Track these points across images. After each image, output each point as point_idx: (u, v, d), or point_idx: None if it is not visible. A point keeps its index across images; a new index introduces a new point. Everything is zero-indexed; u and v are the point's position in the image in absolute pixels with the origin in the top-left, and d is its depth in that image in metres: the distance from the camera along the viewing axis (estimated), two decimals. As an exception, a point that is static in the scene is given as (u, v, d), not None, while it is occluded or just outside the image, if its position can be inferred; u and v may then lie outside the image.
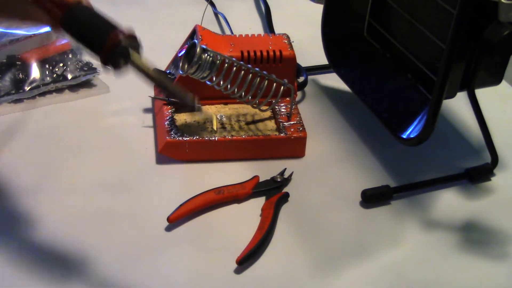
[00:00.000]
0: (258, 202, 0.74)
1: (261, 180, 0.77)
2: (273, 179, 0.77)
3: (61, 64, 0.90)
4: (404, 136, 0.77)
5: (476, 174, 0.80)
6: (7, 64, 0.89)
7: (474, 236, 0.73)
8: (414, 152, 0.81)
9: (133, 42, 0.61)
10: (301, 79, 0.93)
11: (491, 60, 0.71)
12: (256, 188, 0.75)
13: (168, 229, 0.70)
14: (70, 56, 0.92)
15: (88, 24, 0.61)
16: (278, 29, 1.07)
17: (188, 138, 0.79)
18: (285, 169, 0.78)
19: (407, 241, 0.72)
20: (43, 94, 0.89)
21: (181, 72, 0.75)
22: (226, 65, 0.75)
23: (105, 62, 0.61)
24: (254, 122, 0.83)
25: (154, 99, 0.87)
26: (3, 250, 0.68)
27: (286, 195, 0.75)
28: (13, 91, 0.87)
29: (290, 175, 0.78)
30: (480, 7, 0.66)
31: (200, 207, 0.72)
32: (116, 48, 0.60)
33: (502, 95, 0.95)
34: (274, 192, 0.75)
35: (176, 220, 0.70)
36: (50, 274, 0.65)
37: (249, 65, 0.78)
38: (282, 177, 0.77)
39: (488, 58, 0.70)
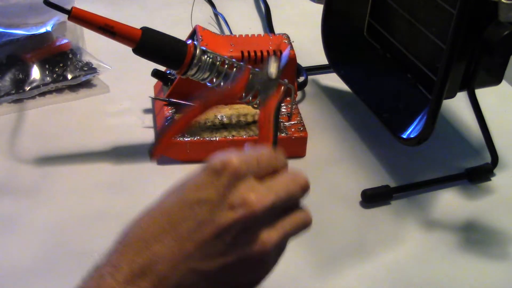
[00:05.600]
0: None
1: None
2: None
3: (61, 64, 0.90)
4: (404, 136, 0.77)
5: (476, 174, 0.80)
6: (7, 64, 0.89)
7: (474, 236, 0.73)
8: (414, 152, 0.81)
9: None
10: (301, 79, 0.94)
11: (491, 60, 0.71)
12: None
13: None
14: (70, 56, 0.92)
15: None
16: (278, 29, 1.07)
17: (189, 139, 0.79)
18: None
19: (407, 241, 0.72)
20: (43, 94, 0.89)
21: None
22: (226, 66, 0.75)
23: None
24: (254, 122, 0.83)
25: (154, 99, 0.87)
26: (3, 250, 0.68)
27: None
28: (13, 91, 0.87)
29: None
30: (480, 7, 0.66)
31: (186, 124, 0.60)
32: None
33: (502, 95, 0.95)
34: None
35: (160, 153, 0.62)
36: (50, 274, 0.65)
37: (249, 66, 0.78)
38: None
39: (488, 58, 0.70)
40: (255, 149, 0.49)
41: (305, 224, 0.48)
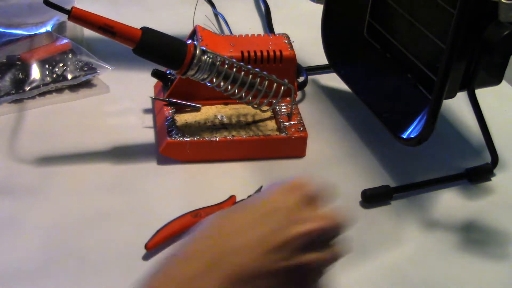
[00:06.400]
0: None
1: (238, 199, 0.74)
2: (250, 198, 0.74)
3: (61, 64, 0.90)
4: (404, 136, 0.77)
5: (476, 174, 0.80)
6: (7, 64, 0.89)
7: (474, 236, 0.73)
8: (414, 152, 0.81)
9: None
10: (301, 79, 0.93)
11: (491, 60, 0.71)
12: None
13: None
14: (70, 56, 0.92)
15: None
16: (278, 29, 1.07)
17: (189, 139, 0.79)
18: (262, 186, 0.76)
19: (407, 241, 0.72)
20: (43, 94, 0.89)
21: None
22: (226, 66, 0.75)
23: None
24: (254, 122, 0.83)
25: (154, 99, 0.87)
26: (3, 250, 0.68)
27: None
28: (13, 91, 0.87)
29: None
30: (480, 7, 0.66)
31: (178, 232, 0.69)
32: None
33: (502, 95, 0.95)
34: None
35: (154, 247, 0.67)
36: (50, 274, 0.65)
37: (249, 66, 0.78)
38: None
39: (488, 58, 0.70)
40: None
41: (337, 259, 0.53)
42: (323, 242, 0.52)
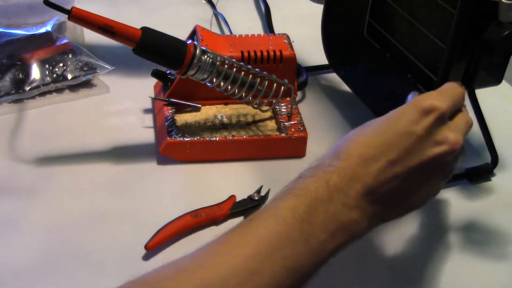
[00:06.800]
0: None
1: (238, 199, 0.74)
2: (250, 197, 0.74)
3: (61, 64, 0.90)
4: (404, 136, 0.77)
5: (476, 174, 0.80)
6: (7, 64, 0.89)
7: (474, 236, 0.73)
8: (414, 152, 0.81)
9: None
10: (301, 79, 0.93)
11: (491, 60, 0.71)
12: (233, 209, 0.73)
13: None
14: (70, 56, 0.92)
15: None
16: (278, 29, 1.07)
17: (189, 139, 0.79)
18: (262, 186, 0.76)
19: (406, 241, 0.72)
20: (43, 94, 0.89)
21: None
22: (226, 66, 0.75)
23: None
24: (254, 122, 0.83)
25: (154, 99, 0.87)
26: (3, 250, 0.68)
27: None
28: (13, 91, 0.87)
29: (267, 193, 0.76)
30: (480, 7, 0.66)
31: (178, 232, 0.69)
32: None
33: (502, 95, 0.95)
34: (252, 211, 0.73)
35: (154, 247, 0.67)
36: (50, 274, 0.65)
37: (249, 66, 0.78)
38: (259, 195, 0.75)
39: (488, 58, 0.70)
40: (452, 88, 0.60)
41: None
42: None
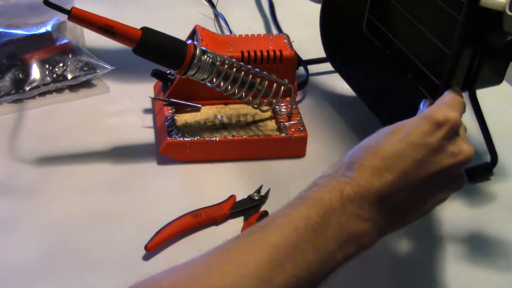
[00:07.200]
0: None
1: (238, 199, 0.74)
2: (250, 197, 0.74)
3: (61, 64, 0.90)
4: (404, 136, 0.76)
5: (475, 174, 0.80)
6: (7, 64, 0.89)
7: (473, 236, 0.73)
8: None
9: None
10: (301, 79, 0.93)
11: (493, 62, 0.71)
12: (233, 208, 0.73)
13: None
14: (70, 56, 0.92)
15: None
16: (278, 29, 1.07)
17: (189, 139, 0.79)
18: (262, 186, 0.76)
19: (406, 242, 0.72)
20: (43, 94, 0.89)
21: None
22: (226, 66, 0.75)
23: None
24: (254, 122, 0.83)
25: (154, 99, 0.87)
26: (3, 250, 0.68)
27: (265, 214, 0.73)
28: (13, 91, 0.87)
29: (267, 193, 0.76)
30: (484, 14, 0.66)
31: (178, 232, 0.69)
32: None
33: (502, 95, 0.95)
34: (252, 211, 0.73)
35: (154, 248, 0.67)
36: (50, 274, 0.65)
37: (249, 66, 0.78)
38: (259, 195, 0.75)
39: (491, 62, 0.70)
40: (458, 99, 0.62)
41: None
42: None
